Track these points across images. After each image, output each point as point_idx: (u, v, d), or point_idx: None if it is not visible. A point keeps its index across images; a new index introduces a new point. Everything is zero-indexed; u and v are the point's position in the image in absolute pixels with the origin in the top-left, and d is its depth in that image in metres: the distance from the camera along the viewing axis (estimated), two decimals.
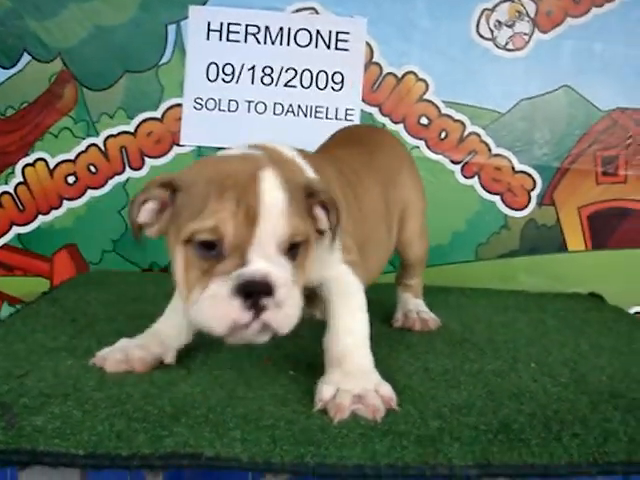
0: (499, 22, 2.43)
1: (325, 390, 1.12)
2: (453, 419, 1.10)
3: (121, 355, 1.27)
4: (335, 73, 2.40)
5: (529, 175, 2.49)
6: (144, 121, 2.40)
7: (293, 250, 1.13)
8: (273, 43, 2.38)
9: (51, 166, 2.41)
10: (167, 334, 1.33)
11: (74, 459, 0.94)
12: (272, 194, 1.10)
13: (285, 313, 1.08)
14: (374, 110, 2.43)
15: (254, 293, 1.05)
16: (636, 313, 2.49)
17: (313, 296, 1.33)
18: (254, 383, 1.23)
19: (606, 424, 1.11)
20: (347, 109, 2.40)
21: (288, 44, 2.38)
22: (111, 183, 2.43)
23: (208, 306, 1.08)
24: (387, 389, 1.14)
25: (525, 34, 2.45)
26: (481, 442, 1.02)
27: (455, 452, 0.99)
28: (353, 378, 1.14)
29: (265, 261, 1.07)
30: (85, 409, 1.06)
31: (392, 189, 1.67)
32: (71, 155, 2.41)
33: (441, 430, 1.05)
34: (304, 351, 1.44)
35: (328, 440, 1.00)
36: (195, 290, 1.10)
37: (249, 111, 2.39)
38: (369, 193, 1.56)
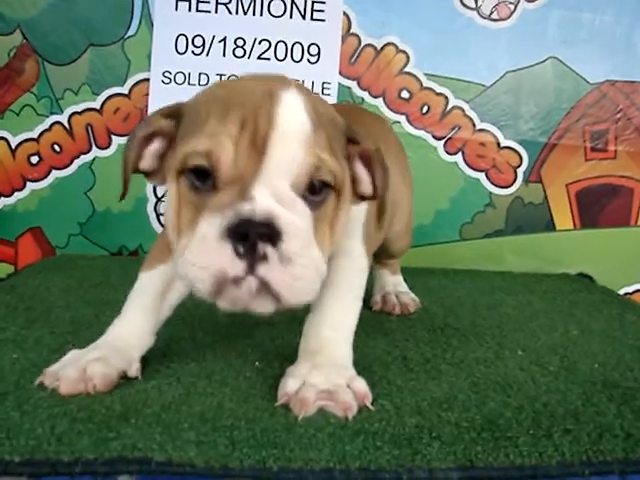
0: None
1: (290, 383, 1.01)
2: (433, 415, 1.01)
3: (77, 373, 1.02)
4: (311, 45, 2.28)
5: (515, 151, 2.39)
6: (110, 97, 2.27)
7: (317, 195, 0.91)
8: (245, 13, 2.26)
9: (13, 146, 2.29)
10: (128, 342, 1.12)
11: (8, 466, 0.83)
12: (292, 115, 0.88)
13: (294, 274, 0.85)
14: (352, 84, 2.32)
15: (251, 237, 0.83)
16: (626, 294, 2.42)
17: None
18: (216, 377, 1.13)
19: (600, 418, 1.03)
20: (324, 82, 2.29)
21: (261, 14, 2.26)
22: (77, 163, 2.30)
23: (194, 252, 0.86)
24: (361, 384, 1.03)
25: (510, 3, 2.34)
26: (463, 441, 0.93)
27: (435, 453, 0.90)
28: (323, 371, 1.03)
29: (273, 198, 0.85)
30: (24, 410, 0.96)
31: None
32: (34, 134, 2.29)
33: (419, 428, 0.96)
34: (273, 340, 1.35)
35: (293, 441, 0.90)
36: (185, 233, 0.90)
37: None
38: None
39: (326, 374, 1.03)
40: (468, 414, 1.02)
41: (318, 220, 0.92)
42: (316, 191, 0.91)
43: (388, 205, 1.07)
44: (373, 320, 1.54)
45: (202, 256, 0.85)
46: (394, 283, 1.73)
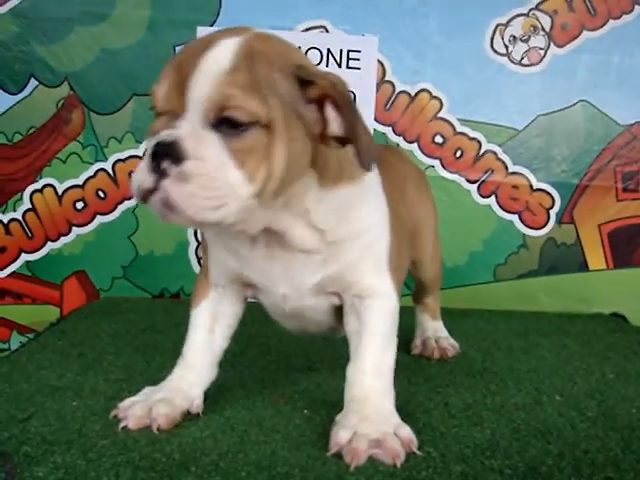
0: (514, 37, 2.38)
1: (341, 434, 1.06)
2: (477, 462, 1.04)
3: (142, 411, 1.15)
4: None
5: (547, 193, 2.43)
6: None
7: (235, 129, 0.97)
8: None
9: (59, 192, 2.37)
10: (190, 381, 1.23)
11: None
12: (214, 58, 0.97)
13: (189, 190, 0.95)
14: (387, 129, 2.38)
15: (158, 155, 0.96)
16: None
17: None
18: (267, 424, 1.17)
19: None
20: None
21: None
22: (120, 208, 2.38)
23: (137, 169, 1.00)
24: (407, 432, 1.08)
25: (540, 49, 2.39)
26: None
27: None
28: (372, 421, 1.07)
29: (187, 129, 0.97)
30: (89, 457, 1.01)
31: (401, 207, 1.59)
32: (79, 180, 2.37)
33: (465, 475, 0.99)
34: (319, 387, 1.39)
35: None
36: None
37: None
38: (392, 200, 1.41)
39: (375, 424, 1.07)
40: (511, 461, 1.05)
41: (241, 151, 0.98)
42: (233, 125, 0.97)
43: (363, 138, 1.04)
44: (413, 365, 1.58)
45: (137, 170, 0.99)
46: (434, 328, 1.77)
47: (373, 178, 1.21)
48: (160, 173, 0.95)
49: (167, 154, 0.95)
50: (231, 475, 0.97)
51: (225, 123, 0.97)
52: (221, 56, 0.98)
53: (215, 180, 0.97)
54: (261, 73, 0.98)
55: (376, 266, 1.21)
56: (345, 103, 1.02)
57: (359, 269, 1.19)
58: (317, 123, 1.04)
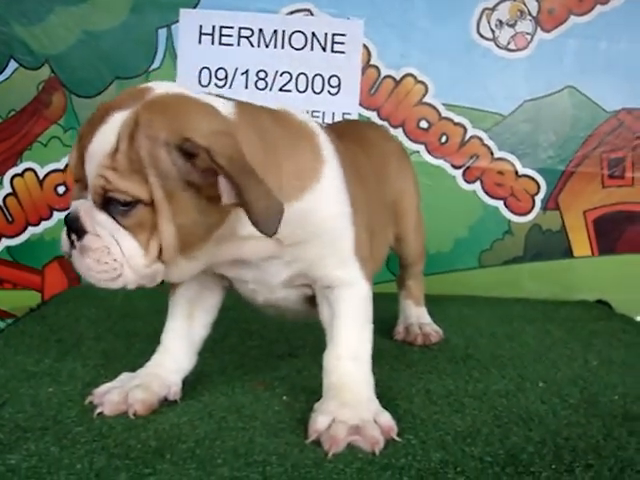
0: (500, 21, 2.37)
1: (320, 420, 1.04)
2: (457, 449, 1.03)
3: (119, 396, 1.14)
4: (331, 76, 2.33)
5: (533, 179, 2.42)
6: None
7: (125, 206, 1.00)
8: (267, 46, 2.31)
9: (40, 176, 2.34)
10: (168, 368, 1.22)
11: None
12: (98, 140, 1.00)
13: (87, 263, 1.04)
14: (372, 114, 2.36)
15: (68, 228, 1.05)
16: None
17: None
18: (245, 411, 1.16)
19: (621, 452, 1.04)
20: (344, 113, 2.34)
21: (283, 47, 2.32)
22: None
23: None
24: (386, 418, 1.06)
25: (527, 33, 2.38)
26: (487, 476, 0.95)
27: None
28: (350, 407, 1.06)
29: (87, 205, 1.04)
30: (63, 444, 0.99)
31: (381, 184, 1.57)
32: (61, 164, 2.35)
33: (444, 463, 0.98)
34: (300, 373, 1.38)
35: (323, 476, 0.93)
36: None
37: None
38: (367, 185, 1.41)
39: (354, 410, 1.05)
40: (492, 448, 1.04)
41: (134, 225, 1.02)
42: (121, 203, 1.01)
43: (255, 204, 0.98)
44: (395, 351, 1.57)
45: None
46: (417, 315, 1.75)
47: (330, 176, 1.16)
48: (71, 242, 1.05)
49: (73, 228, 1.04)
50: (207, 462, 0.95)
51: (113, 201, 1.01)
52: (106, 136, 1.00)
53: (109, 254, 1.03)
54: (143, 150, 0.99)
55: (341, 260, 1.19)
56: (228, 172, 0.96)
57: (324, 264, 1.18)
58: (215, 189, 1.00)
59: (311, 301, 1.26)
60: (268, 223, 0.98)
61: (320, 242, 1.16)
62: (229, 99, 1.12)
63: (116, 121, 1.00)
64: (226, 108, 1.06)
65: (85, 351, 1.48)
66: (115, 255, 1.03)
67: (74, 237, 1.04)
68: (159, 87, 1.07)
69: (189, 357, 1.25)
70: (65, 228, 1.06)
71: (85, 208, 1.03)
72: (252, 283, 1.21)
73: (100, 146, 1.00)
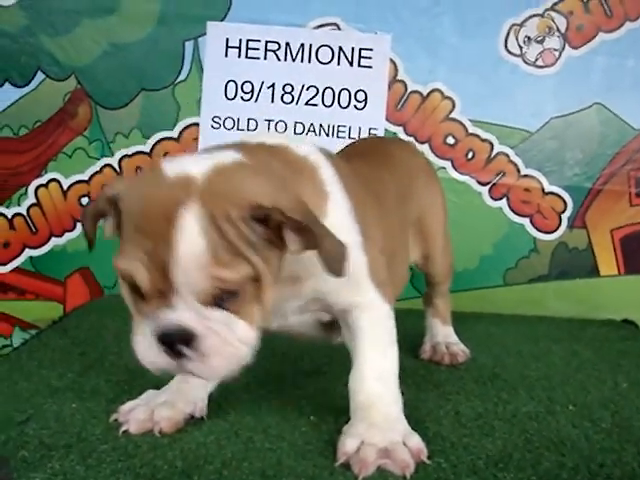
0: (528, 38, 2.35)
1: (348, 443, 1.02)
2: (489, 475, 1.01)
3: (144, 414, 1.15)
4: (358, 91, 2.32)
5: (559, 196, 2.39)
6: (160, 141, 2.33)
7: (229, 296, 0.99)
8: (294, 60, 2.30)
9: (65, 187, 2.35)
10: (194, 384, 1.21)
11: None
12: (186, 246, 0.94)
13: (211, 364, 0.99)
14: (398, 129, 2.35)
15: (173, 344, 0.98)
16: None
17: (332, 321, 1.24)
18: (272, 431, 1.14)
19: None
20: (370, 128, 2.32)
21: (309, 61, 2.31)
22: None
23: (140, 346, 1.02)
24: (416, 441, 1.04)
25: (555, 50, 2.36)
26: None
27: None
28: (379, 429, 1.04)
29: (187, 309, 0.97)
30: (88, 463, 0.98)
31: (406, 201, 1.56)
32: (85, 176, 2.35)
33: None
34: (326, 392, 1.36)
35: None
36: (134, 317, 1.05)
37: (269, 130, 2.32)
38: (388, 206, 1.42)
39: (383, 432, 1.04)
40: (524, 474, 1.01)
41: (240, 305, 1.00)
42: (228, 294, 0.98)
43: (329, 248, 1.01)
44: (422, 371, 1.54)
45: (143, 353, 1.02)
46: (445, 334, 1.73)
47: (334, 211, 1.15)
48: (179, 358, 0.98)
49: (181, 340, 0.97)
50: None
51: (224, 294, 0.98)
52: (191, 237, 0.94)
53: (230, 344, 0.99)
54: (231, 235, 0.96)
55: (356, 287, 1.17)
56: (302, 228, 0.99)
57: (338, 293, 1.16)
58: (279, 242, 1.02)
59: (327, 326, 1.25)
60: (340, 264, 1.00)
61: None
62: (228, 146, 1.13)
63: (189, 219, 0.95)
64: (236, 158, 1.06)
65: (108, 366, 1.47)
66: (235, 343, 1.00)
67: (182, 349, 0.97)
68: (177, 165, 1.03)
69: None
70: (157, 343, 0.99)
71: (190, 313, 0.97)
72: None
73: (192, 250, 0.94)
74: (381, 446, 1.01)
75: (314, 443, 1.10)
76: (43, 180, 2.34)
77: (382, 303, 1.20)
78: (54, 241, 2.36)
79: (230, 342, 0.99)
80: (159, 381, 1.21)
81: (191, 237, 0.94)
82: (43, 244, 2.36)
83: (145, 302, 0.99)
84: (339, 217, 1.15)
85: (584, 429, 1.22)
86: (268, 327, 1.20)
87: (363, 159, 1.50)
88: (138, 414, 1.14)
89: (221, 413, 1.20)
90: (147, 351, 1.00)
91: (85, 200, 2.34)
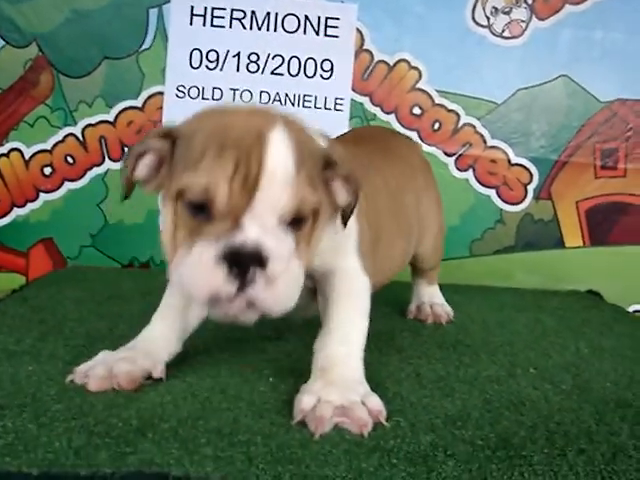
0: (495, 9, 2.34)
1: (305, 400, 1.01)
2: (447, 433, 1.01)
3: (104, 370, 1.11)
4: (324, 60, 2.30)
5: (525, 168, 2.40)
6: (124, 110, 2.30)
7: (298, 222, 1.00)
8: (259, 29, 2.28)
9: (26, 157, 2.31)
10: (155, 345, 1.19)
11: (26, 479, 0.84)
12: (278, 159, 0.96)
13: (277, 292, 0.96)
14: (365, 99, 2.34)
15: (242, 263, 0.93)
16: (635, 312, 2.41)
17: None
18: (231, 391, 1.13)
19: (614, 438, 1.02)
20: (336, 98, 2.31)
21: (275, 30, 2.28)
22: (89, 175, 2.32)
23: (190, 270, 0.96)
24: (375, 401, 1.03)
25: (522, 21, 2.36)
26: (478, 459, 0.93)
27: (450, 471, 0.89)
28: (338, 388, 1.03)
29: (261, 230, 0.95)
30: (41, 422, 0.96)
31: (403, 196, 1.57)
32: (47, 145, 2.31)
33: (434, 446, 0.96)
34: (288, 356, 1.35)
35: (309, 457, 0.90)
36: (180, 251, 0.99)
37: (234, 99, 2.29)
38: (380, 192, 1.44)
39: (341, 390, 1.03)
40: (482, 432, 1.01)
41: (298, 240, 1.01)
42: (299, 221, 1.00)
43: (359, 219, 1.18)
44: (385, 337, 1.54)
45: (199, 275, 0.95)
46: (430, 294, 1.80)
47: None
48: (243, 280, 0.94)
49: (253, 261, 0.94)
50: (190, 442, 0.92)
51: (296, 219, 0.99)
52: (284, 157, 0.97)
53: (293, 276, 0.99)
54: (309, 165, 1.01)
55: (341, 250, 1.21)
56: (358, 189, 1.10)
57: (324, 254, 1.16)
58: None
59: (313, 294, 1.25)
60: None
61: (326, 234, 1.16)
62: None
63: (281, 139, 0.98)
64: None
65: (67, 332, 1.44)
66: (296, 270, 1.00)
67: (253, 272, 0.93)
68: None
69: (178, 341, 1.23)
70: (224, 265, 0.93)
71: (266, 232, 0.95)
72: None
73: (284, 163, 0.97)
74: (338, 404, 1.00)
75: (272, 402, 1.09)
76: (4, 150, 2.31)
77: (361, 274, 1.22)
78: (16, 211, 2.32)
79: (293, 274, 0.99)
80: (118, 346, 1.20)
81: (282, 152, 0.98)
82: (5, 215, 2.33)
83: (211, 223, 0.96)
84: None
85: (544, 391, 1.23)
86: None
87: (362, 147, 1.53)
88: (97, 371, 1.11)
89: (180, 375, 1.19)
90: (202, 273, 0.95)
91: (48, 170, 2.30)
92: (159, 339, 1.21)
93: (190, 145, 1.00)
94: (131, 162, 1.07)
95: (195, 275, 0.95)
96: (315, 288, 1.24)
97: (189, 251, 0.97)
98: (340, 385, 1.04)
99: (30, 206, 2.32)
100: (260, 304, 0.96)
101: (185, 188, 0.97)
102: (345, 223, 1.13)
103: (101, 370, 1.11)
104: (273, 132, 0.99)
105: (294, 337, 1.47)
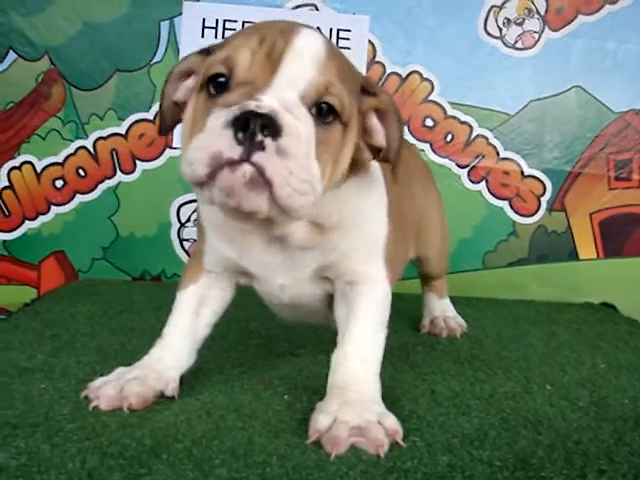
0: (508, 20, 2.33)
1: (321, 420, 1.00)
2: (464, 453, 0.99)
3: (114, 390, 1.09)
4: None
5: (539, 180, 2.39)
6: (136, 122, 2.29)
7: (323, 117, 0.94)
8: None
9: (38, 169, 2.30)
10: (167, 363, 1.17)
11: None
12: (309, 42, 0.94)
13: (289, 166, 0.87)
14: None
15: (252, 125, 0.85)
16: None
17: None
18: (245, 410, 1.11)
19: (635, 458, 1.00)
20: None
21: None
22: (101, 187, 2.32)
23: (199, 139, 0.89)
24: (392, 421, 1.02)
25: (535, 32, 2.35)
26: None
27: None
28: (354, 408, 1.01)
29: (279, 103, 0.88)
30: (54, 442, 0.95)
31: (403, 200, 1.54)
32: (59, 158, 2.31)
33: (451, 467, 0.94)
34: (301, 372, 1.34)
35: (325, 478, 0.88)
36: (194, 135, 0.91)
37: None
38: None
39: (357, 410, 1.01)
40: (500, 452, 1.00)
41: (321, 143, 0.94)
42: (322, 113, 0.94)
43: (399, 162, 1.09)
44: (399, 352, 1.52)
45: (204, 141, 0.88)
46: (442, 307, 1.79)
47: (375, 170, 1.18)
48: (251, 145, 0.85)
49: (264, 125, 0.86)
50: (204, 463, 0.91)
51: (316, 109, 0.94)
52: (316, 43, 0.95)
53: (308, 164, 0.91)
54: (344, 70, 0.98)
55: (370, 253, 1.17)
56: (400, 122, 1.04)
57: (353, 256, 1.15)
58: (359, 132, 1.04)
59: (331, 302, 1.23)
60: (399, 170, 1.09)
61: (357, 234, 1.14)
62: None
63: (314, 34, 0.97)
64: None
65: (79, 347, 1.44)
66: (313, 167, 0.92)
67: (262, 137, 0.85)
68: None
69: (190, 354, 1.21)
70: (232, 127, 0.85)
71: (284, 105, 0.89)
72: (281, 276, 1.16)
73: (316, 49, 0.94)
74: (354, 424, 0.98)
75: (287, 422, 1.07)
76: (16, 162, 2.30)
77: (385, 281, 1.19)
78: (28, 224, 2.31)
79: (308, 161, 0.91)
80: (131, 362, 1.19)
81: (315, 41, 0.96)
82: (16, 228, 2.32)
83: (230, 92, 0.92)
84: (378, 179, 1.20)
85: (561, 408, 1.21)
86: (279, 298, 1.21)
87: None
88: (108, 390, 1.09)
89: (193, 393, 1.18)
90: (211, 140, 0.87)
91: (59, 183, 2.30)
92: (170, 357, 1.19)
93: (224, 45, 1.00)
94: (171, 83, 1.07)
95: (200, 142, 0.89)
96: (332, 294, 1.22)
97: (198, 128, 0.92)
98: (357, 405, 1.03)
99: (42, 219, 2.32)
100: (268, 174, 0.86)
101: (209, 66, 0.96)
102: (395, 176, 1.09)
103: (111, 390, 1.09)
104: (307, 27, 0.98)
105: (306, 353, 1.46)
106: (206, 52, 1.04)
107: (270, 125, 0.86)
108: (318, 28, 2.24)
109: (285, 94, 0.90)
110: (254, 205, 0.89)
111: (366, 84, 1.04)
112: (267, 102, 0.88)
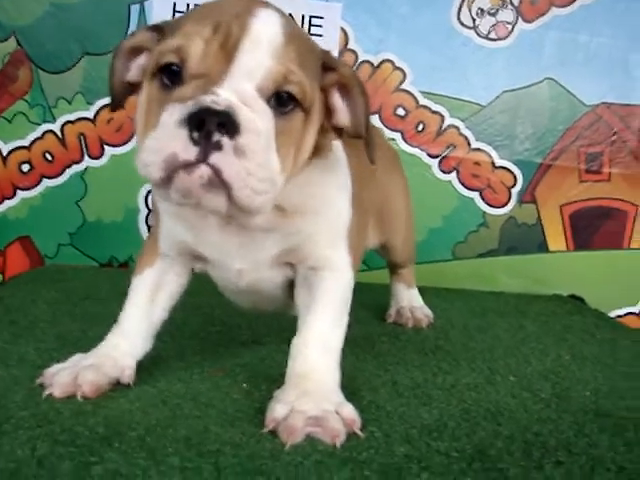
0: (481, 10, 2.32)
1: (278, 409, 0.98)
2: (422, 444, 0.98)
3: (69, 377, 1.06)
4: None
5: (509, 171, 2.38)
6: (104, 107, 2.24)
7: (283, 107, 0.91)
8: None
9: (4, 153, 2.26)
10: (123, 350, 1.15)
11: None
12: (265, 27, 0.90)
13: (247, 167, 0.84)
14: None
15: (208, 124, 0.82)
16: (617, 317, 2.40)
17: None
18: (202, 398, 1.10)
19: (592, 450, 1.00)
20: None
21: None
22: (68, 172, 2.28)
23: (152, 139, 0.86)
24: (349, 410, 1.00)
25: (508, 23, 2.34)
26: (453, 472, 0.90)
27: None
28: (312, 398, 1.00)
29: (236, 96, 0.85)
30: (4, 430, 0.93)
31: (368, 185, 1.52)
32: (26, 142, 2.27)
33: (408, 457, 0.93)
34: (263, 361, 1.33)
35: (280, 468, 0.87)
36: (150, 130, 0.88)
37: None
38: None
39: (315, 400, 1.00)
40: (458, 443, 0.99)
41: (282, 134, 0.92)
42: (282, 103, 0.92)
43: (372, 136, 1.05)
44: (364, 341, 1.52)
45: (158, 141, 0.85)
46: (409, 297, 1.78)
47: (339, 153, 1.16)
48: (208, 145, 0.83)
49: (221, 124, 0.83)
50: (157, 451, 0.90)
51: (276, 99, 0.91)
52: (273, 27, 0.91)
53: (267, 160, 0.89)
54: (303, 52, 0.94)
55: (333, 238, 1.15)
56: (365, 96, 1.00)
57: (316, 240, 1.14)
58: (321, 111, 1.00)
59: (291, 289, 1.21)
60: (374, 150, 1.05)
61: (320, 218, 1.12)
62: None
63: (273, 16, 0.93)
64: None
65: (39, 334, 1.41)
66: (273, 162, 0.90)
67: (219, 136, 0.83)
68: None
69: (146, 340, 1.19)
70: (187, 127, 0.83)
71: (241, 99, 0.85)
72: (239, 261, 1.14)
73: (273, 35, 0.90)
74: (311, 414, 0.97)
75: (244, 410, 1.06)
76: None
77: (348, 267, 1.17)
78: None
79: (267, 157, 0.89)
80: (91, 349, 1.17)
81: (271, 25, 0.92)
82: None
83: (180, 88, 0.89)
84: (341, 163, 1.17)
85: (523, 399, 1.21)
86: (237, 285, 1.18)
87: None
88: (62, 377, 1.07)
89: (151, 380, 1.16)
90: (164, 140, 0.84)
91: (26, 167, 2.27)
92: (126, 343, 1.16)
93: (175, 25, 0.95)
94: (120, 59, 1.03)
95: (154, 143, 0.86)
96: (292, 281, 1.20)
97: (150, 124, 0.89)
98: (315, 395, 1.01)
99: (7, 203, 2.28)
100: (226, 176, 0.84)
101: (160, 54, 0.92)
102: (370, 157, 1.06)
103: (66, 377, 1.07)
104: (265, 9, 0.94)
105: (270, 341, 1.45)
106: (157, 29, 1.00)
107: (227, 123, 0.84)
108: (290, 15, 2.23)
109: (242, 86, 0.87)
110: (212, 205, 0.88)
111: (326, 59, 1.01)
112: (223, 96, 0.85)
